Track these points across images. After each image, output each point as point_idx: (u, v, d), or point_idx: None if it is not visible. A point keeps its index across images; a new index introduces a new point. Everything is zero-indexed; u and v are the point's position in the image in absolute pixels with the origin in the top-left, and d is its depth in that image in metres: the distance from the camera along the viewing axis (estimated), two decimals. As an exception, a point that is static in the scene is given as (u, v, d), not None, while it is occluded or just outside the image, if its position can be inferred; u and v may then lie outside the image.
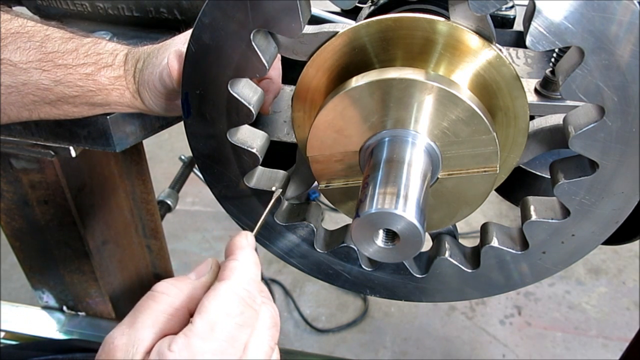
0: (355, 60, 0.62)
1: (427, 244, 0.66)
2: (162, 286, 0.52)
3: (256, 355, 0.50)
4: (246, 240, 0.55)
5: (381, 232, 0.57)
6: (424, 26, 0.58)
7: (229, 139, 0.66)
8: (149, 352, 0.47)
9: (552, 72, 0.72)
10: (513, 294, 2.38)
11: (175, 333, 0.48)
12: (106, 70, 0.73)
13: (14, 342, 1.35)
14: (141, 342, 0.48)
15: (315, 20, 0.97)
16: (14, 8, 0.98)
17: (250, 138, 0.69)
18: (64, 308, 1.40)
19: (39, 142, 0.91)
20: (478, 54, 0.59)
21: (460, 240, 0.77)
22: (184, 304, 0.51)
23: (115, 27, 0.90)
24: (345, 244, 0.75)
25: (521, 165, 0.73)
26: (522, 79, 0.59)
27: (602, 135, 0.56)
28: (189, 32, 0.60)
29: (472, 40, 0.58)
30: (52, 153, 0.97)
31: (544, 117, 0.67)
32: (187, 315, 0.51)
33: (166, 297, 0.51)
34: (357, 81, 0.59)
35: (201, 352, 0.46)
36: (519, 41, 1.04)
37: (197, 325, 0.47)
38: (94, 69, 0.73)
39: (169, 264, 1.54)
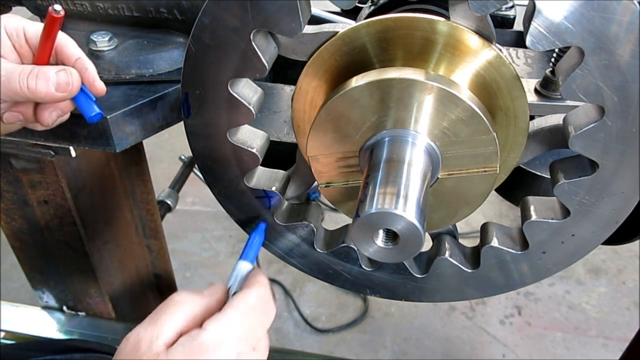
0: (355, 60, 0.61)
1: (427, 244, 0.66)
2: (182, 295, 0.60)
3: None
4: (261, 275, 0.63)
5: (381, 232, 0.57)
6: (424, 26, 0.58)
7: (229, 139, 0.66)
8: (169, 346, 0.54)
9: (552, 72, 0.72)
10: (513, 294, 2.38)
11: None
12: None
13: (14, 342, 1.35)
14: (163, 336, 0.55)
15: (315, 20, 0.97)
16: (13, 8, 0.98)
17: (250, 138, 0.69)
18: (64, 308, 1.40)
19: (39, 142, 0.90)
20: (478, 54, 0.59)
21: (460, 240, 0.77)
22: (201, 314, 0.59)
23: (115, 27, 0.90)
24: (345, 244, 0.75)
25: (521, 165, 0.73)
26: (522, 79, 0.59)
27: (602, 135, 0.56)
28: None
29: (472, 40, 0.58)
30: (52, 153, 0.97)
31: (544, 117, 0.67)
32: (201, 324, 0.57)
33: (186, 305, 0.58)
34: (357, 81, 0.59)
35: (232, 331, 0.55)
36: (519, 41, 1.04)
37: (228, 312, 0.57)
38: None
39: (169, 264, 1.54)
